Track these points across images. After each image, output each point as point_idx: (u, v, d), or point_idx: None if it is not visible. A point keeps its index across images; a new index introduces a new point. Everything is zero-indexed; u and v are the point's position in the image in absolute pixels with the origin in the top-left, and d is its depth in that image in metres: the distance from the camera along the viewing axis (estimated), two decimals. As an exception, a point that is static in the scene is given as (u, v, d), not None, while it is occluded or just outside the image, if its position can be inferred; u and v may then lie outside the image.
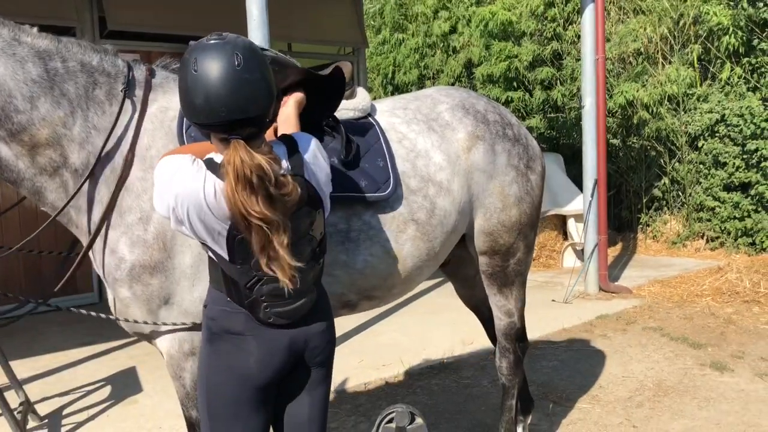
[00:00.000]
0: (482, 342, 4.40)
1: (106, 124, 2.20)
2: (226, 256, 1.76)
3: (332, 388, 2.20)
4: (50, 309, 2.49)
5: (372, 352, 5.16)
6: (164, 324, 2.24)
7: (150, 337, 2.32)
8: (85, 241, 2.28)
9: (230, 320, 1.85)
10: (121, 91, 2.23)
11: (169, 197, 1.71)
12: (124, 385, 4.66)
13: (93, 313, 2.44)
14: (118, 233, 2.19)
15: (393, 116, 2.72)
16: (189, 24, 7.04)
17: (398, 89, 13.31)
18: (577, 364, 4.81)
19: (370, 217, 2.49)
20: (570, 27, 10.59)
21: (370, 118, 2.62)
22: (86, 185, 2.20)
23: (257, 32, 4.33)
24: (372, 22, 14.03)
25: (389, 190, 2.49)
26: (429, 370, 4.73)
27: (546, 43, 10.76)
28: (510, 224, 2.88)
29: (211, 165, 1.72)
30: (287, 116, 2.10)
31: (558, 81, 10.72)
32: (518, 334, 3.17)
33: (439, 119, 2.77)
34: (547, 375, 4.59)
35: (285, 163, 1.79)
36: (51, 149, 2.15)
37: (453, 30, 12.49)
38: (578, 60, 9.43)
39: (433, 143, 2.69)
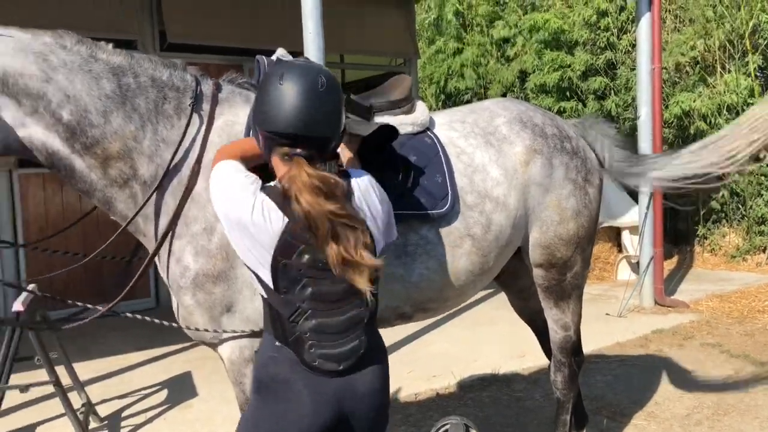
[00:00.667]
0: (534, 355, 4.36)
1: (174, 137, 2.28)
2: (271, 284, 1.76)
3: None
4: (111, 314, 2.55)
5: (422, 363, 5.16)
6: (225, 331, 2.30)
7: (212, 343, 2.38)
8: (151, 248, 2.36)
9: (277, 366, 1.80)
10: (189, 105, 2.30)
11: (219, 211, 1.83)
12: (180, 389, 4.77)
13: (157, 320, 2.49)
14: (184, 242, 2.26)
15: (451, 130, 2.73)
16: (246, 37, 7.19)
17: (450, 98, 13.30)
18: (631, 379, 4.72)
19: (426, 231, 2.51)
20: (624, 36, 10.41)
21: (429, 132, 2.64)
22: (154, 196, 2.28)
23: (312, 44, 4.40)
24: (425, 33, 14.07)
25: (447, 206, 2.51)
26: (480, 382, 4.70)
27: (599, 53, 10.60)
28: (567, 237, 2.86)
29: (265, 188, 1.79)
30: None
31: (612, 91, 10.55)
32: (574, 347, 3.14)
33: (497, 133, 2.77)
34: (601, 389, 4.51)
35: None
36: (122, 162, 2.24)
37: (506, 40, 12.46)
38: (633, 69, 9.26)
39: (491, 158, 2.69)
